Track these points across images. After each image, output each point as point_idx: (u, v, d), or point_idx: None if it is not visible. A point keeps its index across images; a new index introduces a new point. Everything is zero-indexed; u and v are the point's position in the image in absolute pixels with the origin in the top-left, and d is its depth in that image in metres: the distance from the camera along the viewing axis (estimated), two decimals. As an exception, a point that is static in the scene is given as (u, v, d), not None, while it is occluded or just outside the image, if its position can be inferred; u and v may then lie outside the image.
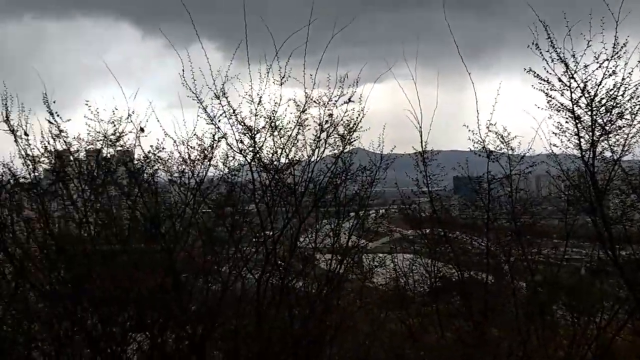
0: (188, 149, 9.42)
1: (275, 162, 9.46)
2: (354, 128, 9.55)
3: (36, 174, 9.95)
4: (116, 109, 9.34)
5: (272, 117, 9.14)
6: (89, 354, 10.10)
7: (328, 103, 9.37)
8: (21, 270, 10.09)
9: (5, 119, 9.51)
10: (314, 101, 9.34)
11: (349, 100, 9.39)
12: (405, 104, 9.75)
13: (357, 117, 9.51)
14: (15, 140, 9.61)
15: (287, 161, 9.55)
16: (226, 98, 9.03)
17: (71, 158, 10.03)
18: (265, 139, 9.29)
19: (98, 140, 9.63)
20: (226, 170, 9.67)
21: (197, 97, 8.99)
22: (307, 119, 9.41)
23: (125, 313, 9.92)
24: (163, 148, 9.48)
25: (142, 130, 9.51)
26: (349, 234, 10.46)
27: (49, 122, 9.45)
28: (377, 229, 11.46)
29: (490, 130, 9.39)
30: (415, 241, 12.77)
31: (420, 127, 9.76)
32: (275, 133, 9.26)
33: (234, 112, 9.08)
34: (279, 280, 9.82)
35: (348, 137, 9.60)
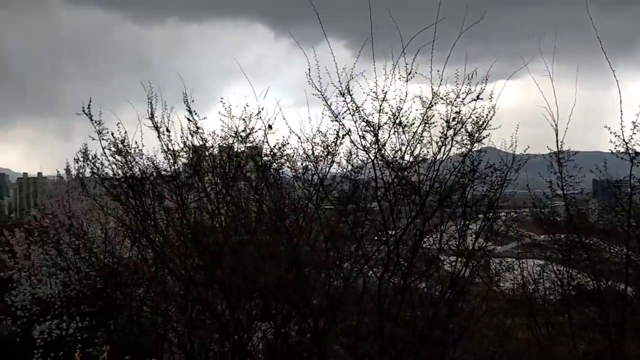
0: (312, 146, 9.59)
1: (399, 160, 9.31)
2: (483, 126, 9.15)
3: (176, 167, 10.65)
4: (247, 106, 9.73)
5: (397, 114, 9.01)
6: (218, 339, 10.68)
7: (455, 100, 9.06)
8: (161, 256, 10.89)
9: (150, 116, 10.28)
10: (441, 98, 9.07)
11: (478, 97, 9.03)
12: (539, 102, 9.15)
13: (486, 115, 9.12)
14: (159, 136, 10.38)
15: (411, 159, 9.37)
16: (351, 95, 9.02)
17: (206, 153, 10.64)
18: (389, 135, 9.16)
19: (230, 136, 10.10)
20: (349, 167, 9.71)
21: (322, 95, 9.08)
22: (433, 115, 9.15)
23: (252, 302, 10.36)
24: (288, 144, 9.74)
25: (269, 127, 9.82)
26: (476, 236, 10.09)
27: (188, 119, 10.07)
28: (507, 232, 10.93)
29: (636, 131, 8.55)
30: (547, 247, 12.05)
31: (556, 125, 9.13)
32: (400, 130, 9.11)
33: (358, 109, 9.07)
34: (400, 279, 9.69)
35: (477, 135, 9.21)
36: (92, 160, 11.13)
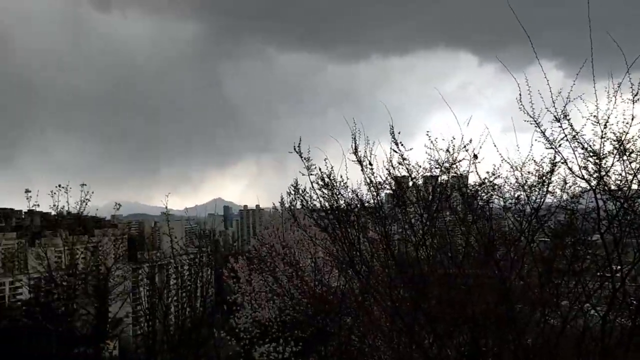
0: (523, 175, 9.16)
1: (624, 189, 8.47)
2: None
3: (378, 199, 10.90)
4: (453, 139, 9.63)
5: (622, 139, 8.22)
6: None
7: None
8: (366, 287, 11.12)
9: (354, 151, 10.70)
10: (675, 118, 8.09)
11: None
12: None
13: None
14: (362, 170, 10.73)
15: (639, 188, 8.46)
16: (567, 120, 8.46)
17: (410, 184, 10.72)
18: (613, 163, 8.39)
19: (435, 167, 10.06)
20: (564, 196, 9.07)
21: (535, 121, 8.64)
22: (665, 140, 8.20)
23: (460, 337, 10.06)
24: (499, 175, 9.41)
25: (475, 157, 9.61)
26: None
27: (393, 150, 10.25)
28: None
29: None
30: None
31: None
32: (625, 157, 8.30)
33: (576, 136, 8.45)
34: (628, 319, 8.73)
35: None
36: (302, 194, 11.90)
